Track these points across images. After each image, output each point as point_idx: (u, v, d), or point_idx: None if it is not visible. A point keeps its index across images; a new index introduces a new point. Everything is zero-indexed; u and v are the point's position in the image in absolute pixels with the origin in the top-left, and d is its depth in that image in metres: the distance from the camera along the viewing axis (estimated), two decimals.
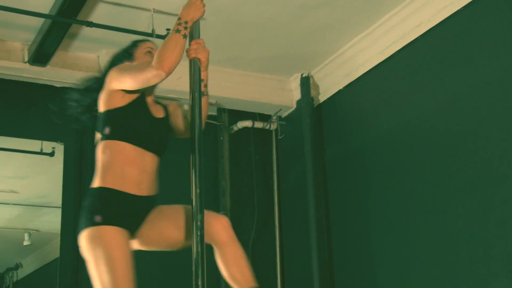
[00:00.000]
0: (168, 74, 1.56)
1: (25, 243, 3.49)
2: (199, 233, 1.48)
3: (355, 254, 3.14)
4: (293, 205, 3.57)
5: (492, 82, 2.42)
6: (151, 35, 2.70)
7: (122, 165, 1.64)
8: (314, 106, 3.48)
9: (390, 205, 2.94)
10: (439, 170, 2.67)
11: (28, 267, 3.60)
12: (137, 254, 1.67)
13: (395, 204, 2.90)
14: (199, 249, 1.46)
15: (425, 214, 2.68)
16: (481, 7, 2.46)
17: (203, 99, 1.66)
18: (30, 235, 3.52)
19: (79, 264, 2.83)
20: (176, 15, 1.68)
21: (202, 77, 1.68)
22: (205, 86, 1.72)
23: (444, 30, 2.67)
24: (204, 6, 1.67)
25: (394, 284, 2.83)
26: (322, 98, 3.51)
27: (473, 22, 2.51)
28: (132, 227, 1.64)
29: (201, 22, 1.74)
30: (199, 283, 1.43)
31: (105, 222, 1.55)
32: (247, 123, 3.66)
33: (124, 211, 1.61)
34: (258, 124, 3.69)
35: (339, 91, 3.37)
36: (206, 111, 1.77)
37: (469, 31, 2.55)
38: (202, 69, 1.69)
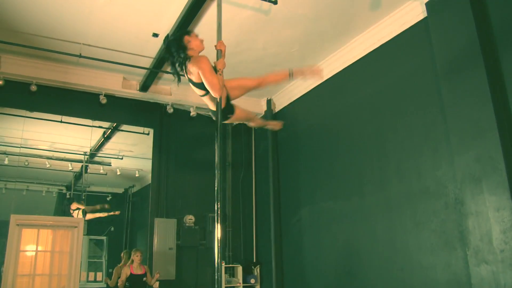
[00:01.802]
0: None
1: (136, 175, 7.01)
2: None
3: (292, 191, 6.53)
4: (262, 164, 6.98)
5: (367, 99, 5.36)
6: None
7: None
8: (273, 113, 6.91)
9: (310, 171, 6.04)
10: (342, 152, 5.63)
11: (137, 187, 7.13)
12: None
13: (314, 170, 6.01)
14: None
15: (326, 176, 6.06)
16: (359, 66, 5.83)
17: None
18: (139, 171, 7.02)
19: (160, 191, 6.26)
20: None
21: (220, 66, 3.03)
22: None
23: (339, 77, 6.03)
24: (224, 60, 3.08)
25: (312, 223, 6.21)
26: (277, 109, 6.93)
27: (346, 80, 5.87)
28: None
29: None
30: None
31: None
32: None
33: None
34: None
35: (285, 106, 6.75)
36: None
37: (342, 88, 5.90)
38: (222, 56, 3.07)
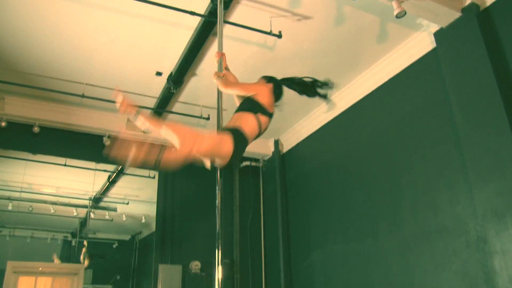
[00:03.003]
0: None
1: (143, 221, 6.76)
2: None
3: (301, 238, 6.26)
4: (270, 206, 6.73)
5: (377, 134, 5.10)
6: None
7: None
8: (281, 154, 6.72)
9: (321, 212, 5.79)
10: (353, 191, 5.20)
11: (144, 233, 6.89)
12: None
13: (325, 211, 5.82)
14: None
15: (337, 209, 5.81)
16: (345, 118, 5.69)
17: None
18: (145, 217, 6.78)
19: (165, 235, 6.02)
20: None
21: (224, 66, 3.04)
22: (226, 68, 3.10)
23: (348, 114, 5.88)
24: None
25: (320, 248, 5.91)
26: (285, 150, 6.74)
27: (350, 120, 5.73)
28: None
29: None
30: None
31: None
32: (248, 163, 6.93)
33: None
34: (254, 163, 6.96)
35: (293, 146, 6.58)
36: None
37: (344, 130, 5.75)
38: (224, 64, 3.06)
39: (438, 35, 4.07)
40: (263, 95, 2.88)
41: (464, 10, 3.85)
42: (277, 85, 3.05)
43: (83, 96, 5.14)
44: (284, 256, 6.02)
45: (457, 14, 3.87)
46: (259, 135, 2.91)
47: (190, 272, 5.93)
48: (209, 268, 6.06)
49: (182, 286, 5.82)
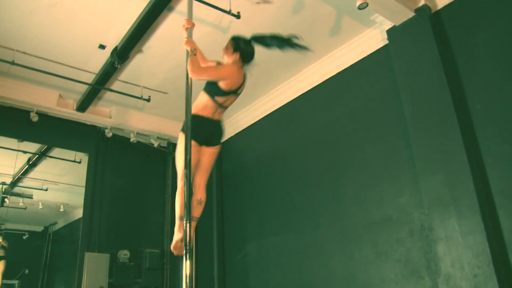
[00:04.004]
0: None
1: (61, 210, 6.26)
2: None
3: (235, 223, 6.16)
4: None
5: (322, 127, 5.28)
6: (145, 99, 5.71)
7: None
8: None
9: (259, 204, 5.70)
10: (294, 183, 5.16)
11: (60, 223, 6.35)
12: None
13: (262, 202, 5.67)
14: None
15: (273, 202, 5.77)
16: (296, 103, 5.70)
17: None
18: (64, 206, 6.28)
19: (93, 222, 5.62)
20: None
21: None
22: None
23: (292, 106, 5.87)
24: (189, 40, 2.89)
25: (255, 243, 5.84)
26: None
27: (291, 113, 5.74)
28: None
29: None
30: None
31: None
32: None
33: None
34: None
35: (230, 137, 6.43)
36: None
37: (285, 122, 5.76)
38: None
39: (390, 32, 4.21)
40: (230, 78, 2.98)
41: (417, 10, 4.02)
42: (246, 49, 3.07)
43: (12, 63, 4.64)
44: (218, 247, 5.89)
45: (411, 14, 4.03)
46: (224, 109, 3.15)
47: (118, 262, 5.61)
48: (138, 258, 5.78)
49: (109, 276, 5.48)
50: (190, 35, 2.98)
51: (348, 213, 4.42)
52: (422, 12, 3.99)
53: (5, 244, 6.30)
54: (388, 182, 4.10)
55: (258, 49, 3.18)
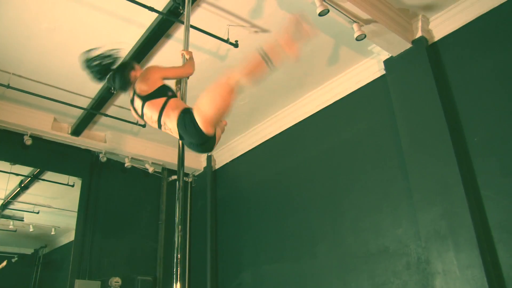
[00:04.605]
0: None
1: (52, 233, 6.14)
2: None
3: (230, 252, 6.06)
4: (199, 222, 6.47)
5: (320, 156, 5.15)
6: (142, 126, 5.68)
7: None
8: (213, 170, 6.54)
9: (254, 231, 5.62)
10: (291, 211, 5.10)
11: (50, 247, 6.23)
12: None
13: (258, 230, 5.60)
14: None
15: (271, 230, 5.69)
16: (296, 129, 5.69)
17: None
18: (55, 229, 6.17)
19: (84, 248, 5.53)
20: None
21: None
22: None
23: (289, 133, 5.85)
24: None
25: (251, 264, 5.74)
26: (217, 166, 6.58)
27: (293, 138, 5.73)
28: None
29: None
30: None
31: None
32: (176, 177, 6.63)
33: None
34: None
35: (226, 163, 6.43)
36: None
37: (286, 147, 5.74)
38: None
39: (388, 62, 4.24)
40: None
41: (414, 42, 4.06)
42: None
43: (8, 86, 4.61)
44: (211, 275, 5.79)
45: (408, 45, 4.07)
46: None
47: None
48: (130, 285, 5.66)
49: None
50: (184, 61, 3.02)
51: (345, 243, 4.36)
52: (419, 43, 4.03)
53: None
54: (385, 213, 4.07)
55: None
